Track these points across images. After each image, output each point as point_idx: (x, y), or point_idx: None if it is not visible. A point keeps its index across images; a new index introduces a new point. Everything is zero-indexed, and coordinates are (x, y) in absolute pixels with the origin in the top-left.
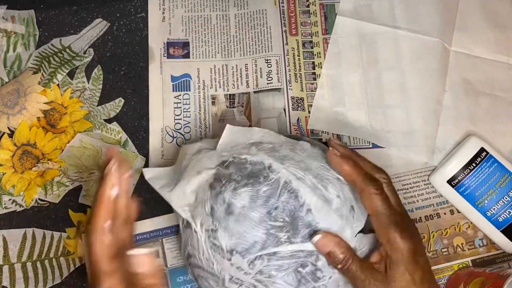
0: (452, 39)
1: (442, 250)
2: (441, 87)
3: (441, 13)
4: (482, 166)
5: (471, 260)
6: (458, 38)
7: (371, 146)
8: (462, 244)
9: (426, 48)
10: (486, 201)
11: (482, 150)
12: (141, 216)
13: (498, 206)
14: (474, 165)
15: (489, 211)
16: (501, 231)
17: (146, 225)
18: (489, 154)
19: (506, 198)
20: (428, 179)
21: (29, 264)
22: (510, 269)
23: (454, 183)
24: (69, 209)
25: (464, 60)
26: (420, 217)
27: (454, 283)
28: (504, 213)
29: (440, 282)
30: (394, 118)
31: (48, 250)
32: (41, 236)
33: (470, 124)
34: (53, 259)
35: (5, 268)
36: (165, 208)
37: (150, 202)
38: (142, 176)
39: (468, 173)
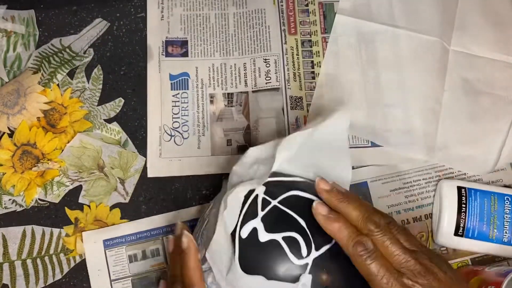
0: (451, 38)
1: (441, 249)
2: (440, 87)
3: (440, 12)
4: (470, 203)
5: (471, 259)
6: (458, 37)
7: (370, 145)
8: None
9: (425, 47)
10: (495, 230)
11: (460, 188)
12: (142, 215)
13: (507, 227)
14: (464, 206)
15: (504, 237)
16: None
17: (147, 223)
18: (468, 189)
19: (507, 216)
20: (436, 240)
21: (29, 261)
22: (509, 267)
23: (460, 232)
24: (65, 207)
25: (464, 59)
26: (420, 216)
27: None
28: None
29: None
30: (393, 117)
31: (48, 247)
32: (41, 233)
33: (470, 123)
34: (53, 256)
35: (5, 266)
36: (165, 207)
37: (150, 201)
38: (142, 176)
39: (465, 216)
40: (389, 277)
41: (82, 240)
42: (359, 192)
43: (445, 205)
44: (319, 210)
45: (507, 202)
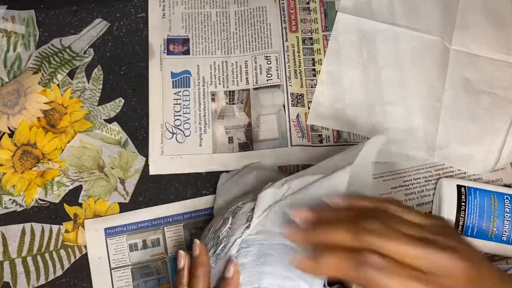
0: (452, 38)
1: None
2: (441, 85)
3: (441, 11)
4: (470, 201)
5: None
6: (458, 37)
7: None
8: None
9: (426, 46)
10: (495, 229)
11: (459, 187)
12: (144, 205)
13: (506, 226)
14: (463, 204)
15: (503, 235)
16: None
17: (148, 213)
18: (467, 187)
19: (507, 215)
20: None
21: (29, 259)
22: (508, 265)
23: (459, 230)
24: (64, 203)
25: (464, 59)
26: None
27: None
28: None
29: None
30: (393, 115)
31: (47, 243)
32: (40, 230)
33: (471, 122)
34: (53, 252)
35: (6, 264)
36: (166, 198)
37: (151, 201)
38: (142, 176)
39: (465, 214)
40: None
41: (84, 228)
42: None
43: (444, 203)
44: (297, 259)
45: (506, 201)
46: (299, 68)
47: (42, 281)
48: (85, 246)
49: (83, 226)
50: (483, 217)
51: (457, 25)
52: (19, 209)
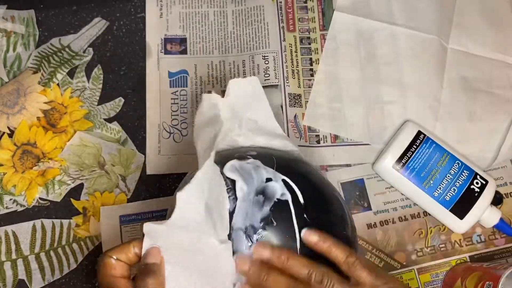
0: (449, 37)
1: (440, 246)
2: (439, 84)
3: (438, 10)
4: (422, 148)
5: (469, 256)
6: (456, 36)
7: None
8: (460, 240)
9: (424, 45)
10: (431, 182)
11: (420, 133)
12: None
13: (443, 185)
14: (414, 147)
15: (436, 191)
16: (449, 211)
17: (164, 202)
18: (426, 137)
19: (448, 176)
20: (374, 165)
21: (42, 255)
22: (507, 263)
23: (398, 167)
24: (71, 198)
25: (462, 58)
26: (419, 213)
27: (451, 279)
28: (450, 191)
29: (438, 278)
30: (391, 114)
31: (59, 238)
32: (50, 226)
33: (468, 121)
34: (66, 246)
35: (19, 262)
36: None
37: (152, 191)
38: (142, 177)
39: (410, 156)
40: None
41: (95, 218)
42: (355, 189)
43: (396, 141)
44: None
45: (456, 166)
46: (297, 68)
47: (58, 275)
48: (97, 237)
49: (94, 216)
50: (426, 167)
51: (454, 24)
52: (20, 209)
